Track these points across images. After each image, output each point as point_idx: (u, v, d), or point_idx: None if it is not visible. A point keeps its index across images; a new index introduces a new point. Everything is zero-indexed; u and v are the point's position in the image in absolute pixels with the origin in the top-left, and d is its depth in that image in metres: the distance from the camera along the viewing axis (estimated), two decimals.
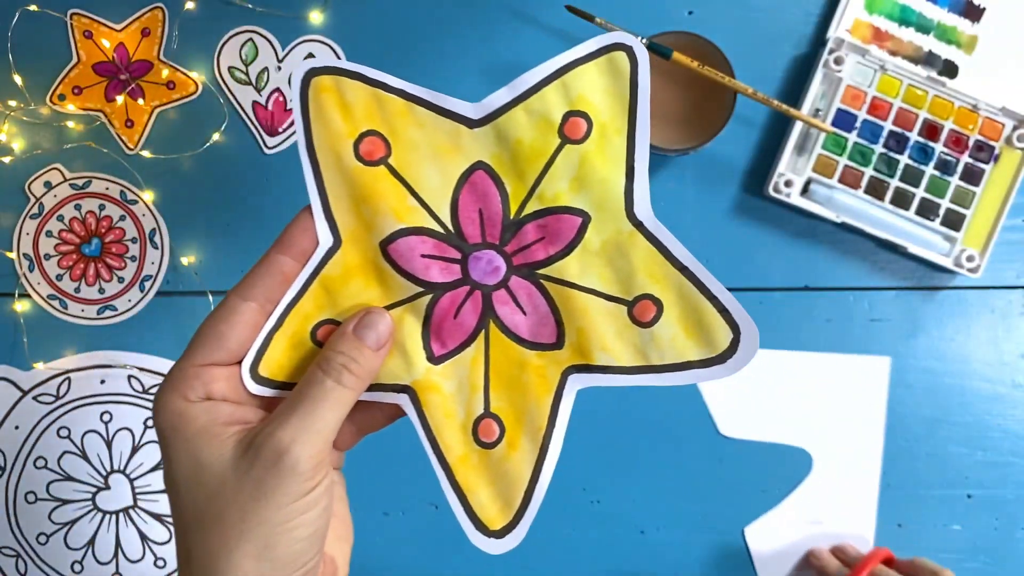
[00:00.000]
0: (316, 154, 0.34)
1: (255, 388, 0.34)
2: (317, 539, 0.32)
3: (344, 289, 0.34)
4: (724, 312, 0.33)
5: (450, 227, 0.34)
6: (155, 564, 0.63)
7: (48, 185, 0.63)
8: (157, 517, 0.63)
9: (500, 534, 0.34)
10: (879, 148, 0.59)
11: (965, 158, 0.59)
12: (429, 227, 0.34)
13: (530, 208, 0.34)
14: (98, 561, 0.63)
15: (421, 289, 0.34)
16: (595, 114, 0.33)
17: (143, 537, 0.63)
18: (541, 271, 0.34)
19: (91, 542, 0.63)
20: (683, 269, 0.33)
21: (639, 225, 0.33)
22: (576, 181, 0.33)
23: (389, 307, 0.34)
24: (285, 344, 0.34)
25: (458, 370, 0.35)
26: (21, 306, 0.63)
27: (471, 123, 0.33)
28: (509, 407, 0.35)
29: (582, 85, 0.33)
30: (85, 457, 0.63)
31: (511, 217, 0.34)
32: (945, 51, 0.60)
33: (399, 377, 0.34)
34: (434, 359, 0.35)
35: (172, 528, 0.63)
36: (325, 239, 0.34)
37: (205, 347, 0.33)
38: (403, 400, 0.35)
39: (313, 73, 0.33)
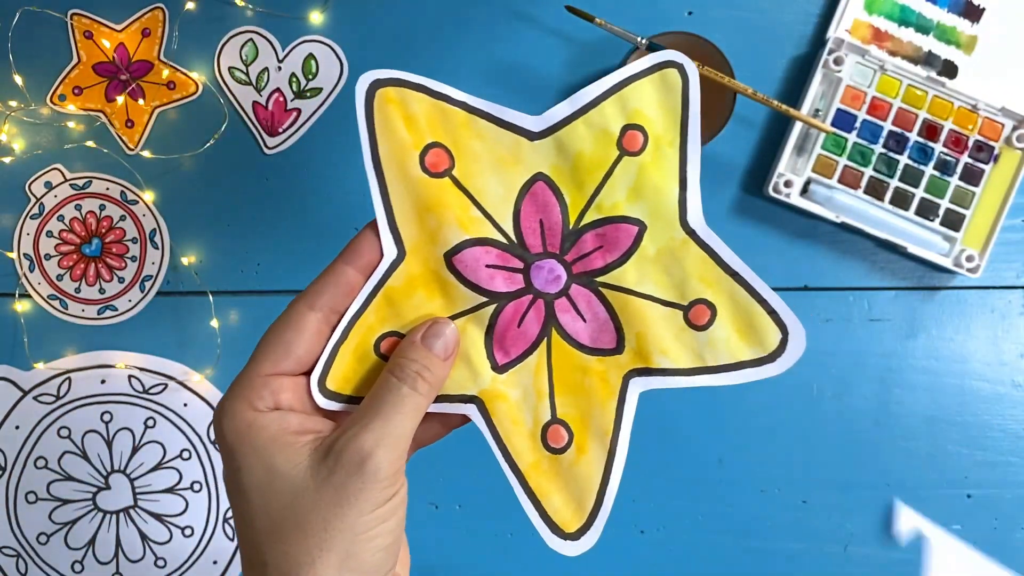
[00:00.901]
0: (382, 165, 0.34)
1: (324, 403, 0.34)
2: (394, 551, 0.32)
3: (407, 301, 0.34)
4: (773, 313, 0.34)
5: (513, 237, 0.35)
6: (155, 564, 0.63)
7: (48, 185, 0.63)
8: (157, 517, 0.63)
9: (575, 536, 0.35)
10: (879, 148, 0.59)
11: (965, 158, 0.59)
12: (493, 237, 0.34)
13: (589, 218, 0.35)
14: (98, 561, 0.63)
15: (485, 299, 0.34)
16: (650, 127, 0.34)
17: (143, 537, 0.63)
18: (600, 279, 0.35)
19: (91, 542, 0.63)
20: (734, 274, 0.34)
21: (691, 233, 0.34)
22: (633, 191, 0.34)
23: (451, 318, 0.35)
24: (350, 357, 0.34)
25: (522, 378, 0.35)
26: (21, 306, 0.63)
27: (531, 135, 0.34)
28: (575, 412, 0.35)
29: (638, 99, 0.34)
30: (85, 457, 0.63)
31: (570, 227, 0.35)
32: (945, 51, 0.60)
33: (466, 387, 0.35)
34: (498, 368, 0.35)
35: (171, 528, 0.63)
36: (389, 251, 0.34)
37: (273, 356, 0.33)
38: (471, 410, 0.35)
39: (378, 84, 0.34)
